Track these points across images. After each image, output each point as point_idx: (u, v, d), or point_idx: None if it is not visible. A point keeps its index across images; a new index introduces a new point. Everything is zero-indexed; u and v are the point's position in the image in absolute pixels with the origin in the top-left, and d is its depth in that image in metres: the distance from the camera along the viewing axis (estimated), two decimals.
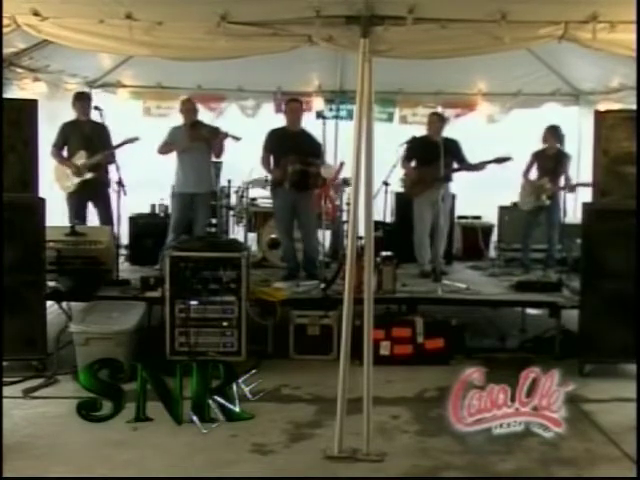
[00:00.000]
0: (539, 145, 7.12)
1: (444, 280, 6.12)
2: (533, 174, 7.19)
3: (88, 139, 6.54)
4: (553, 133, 6.99)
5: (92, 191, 6.59)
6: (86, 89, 7.60)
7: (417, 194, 6.72)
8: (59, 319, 5.33)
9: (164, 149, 6.59)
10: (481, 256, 7.78)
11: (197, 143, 6.50)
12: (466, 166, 6.69)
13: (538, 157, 7.12)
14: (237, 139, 6.59)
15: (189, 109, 6.67)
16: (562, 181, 7.03)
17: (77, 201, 6.65)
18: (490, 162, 6.53)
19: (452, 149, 6.56)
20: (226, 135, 6.54)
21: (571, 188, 6.86)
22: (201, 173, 6.64)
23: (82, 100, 6.69)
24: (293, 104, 6.63)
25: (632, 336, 4.61)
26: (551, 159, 7.02)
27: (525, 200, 7.23)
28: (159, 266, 6.03)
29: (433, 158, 6.34)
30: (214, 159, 6.83)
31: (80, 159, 6.53)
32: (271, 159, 6.48)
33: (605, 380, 4.85)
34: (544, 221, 7.15)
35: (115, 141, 6.64)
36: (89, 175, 6.51)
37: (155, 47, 4.61)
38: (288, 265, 6.58)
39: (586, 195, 5.87)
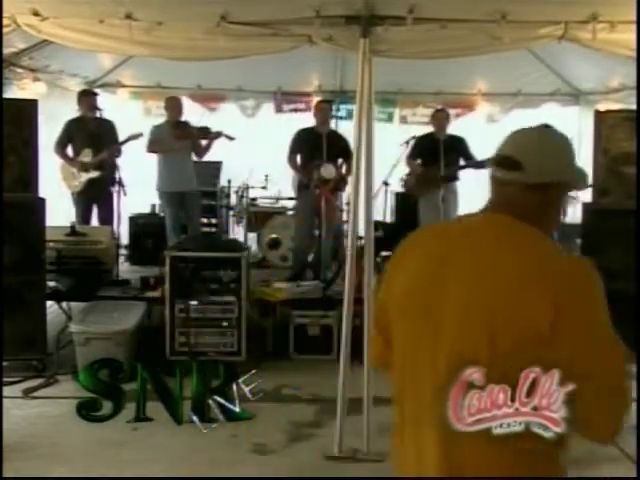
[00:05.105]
0: None
1: None
2: None
3: (94, 136, 6.45)
4: None
5: (98, 191, 6.45)
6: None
7: (422, 193, 6.66)
8: (59, 319, 5.33)
9: (153, 148, 6.51)
10: None
11: (182, 142, 6.45)
12: (473, 163, 6.64)
13: None
14: (231, 139, 6.52)
15: (174, 107, 6.61)
16: None
17: (84, 202, 6.55)
18: None
19: (458, 147, 6.51)
20: (219, 135, 6.49)
21: None
22: (186, 171, 6.59)
23: (88, 96, 6.61)
24: (322, 104, 6.61)
25: (632, 336, 4.60)
26: None
27: None
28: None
29: (439, 156, 6.29)
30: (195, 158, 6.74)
31: (86, 157, 6.43)
32: (298, 159, 6.42)
33: None
34: None
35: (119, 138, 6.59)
36: (96, 173, 6.41)
37: (155, 47, 4.61)
38: (295, 265, 6.52)
39: (586, 195, 5.85)
